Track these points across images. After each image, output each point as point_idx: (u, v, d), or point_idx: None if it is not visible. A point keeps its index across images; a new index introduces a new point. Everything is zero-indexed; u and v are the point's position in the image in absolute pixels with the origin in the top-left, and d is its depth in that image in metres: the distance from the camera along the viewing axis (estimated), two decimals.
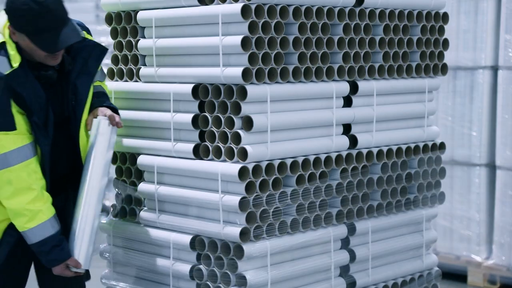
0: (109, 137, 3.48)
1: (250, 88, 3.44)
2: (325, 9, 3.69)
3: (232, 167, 3.45)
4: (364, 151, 3.92)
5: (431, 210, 4.31)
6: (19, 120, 3.30)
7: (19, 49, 3.29)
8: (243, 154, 3.46)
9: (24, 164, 3.30)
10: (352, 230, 3.92)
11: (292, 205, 3.64)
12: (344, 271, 3.95)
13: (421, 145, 4.19)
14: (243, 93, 3.45)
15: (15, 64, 3.25)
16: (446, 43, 4.28)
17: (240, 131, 3.47)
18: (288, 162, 3.60)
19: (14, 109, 3.28)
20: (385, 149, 4.01)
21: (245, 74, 3.43)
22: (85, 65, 3.47)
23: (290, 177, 3.64)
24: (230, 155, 3.51)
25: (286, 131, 3.63)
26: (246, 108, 3.47)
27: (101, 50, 3.52)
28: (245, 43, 3.43)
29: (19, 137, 3.30)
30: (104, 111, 3.51)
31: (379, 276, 4.07)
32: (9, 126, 3.27)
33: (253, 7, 3.43)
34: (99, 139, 3.46)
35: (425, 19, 4.14)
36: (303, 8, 3.60)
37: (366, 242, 3.99)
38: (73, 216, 3.46)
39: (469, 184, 6.00)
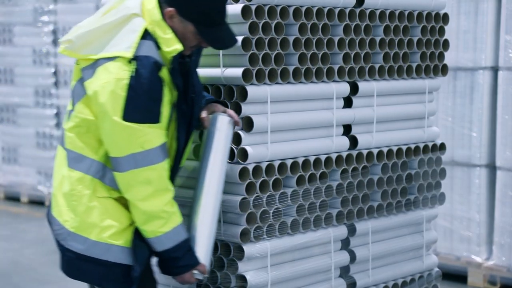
0: (228, 134, 3.27)
1: (250, 89, 3.44)
2: (326, 10, 3.69)
3: (232, 168, 3.45)
4: (364, 152, 3.92)
5: (431, 210, 4.31)
6: (165, 112, 3.03)
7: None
8: (244, 154, 3.47)
9: (165, 163, 3.02)
10: (352, 230, 3.92)
11: (292, 205, 3.64)
12: (344, 271, 3.95)
13: (421, 145, 4.19)
14: (243, 93, 3.45)
15: (176, 47, 3.01)
16: (446, 43, 4.28)
17: (240, 132, 3.47)
18: (289, 162, 3.60)
19: (166, 98, 3.03)
20: (385, 149, 4.01)
21: (246, 74, 3.43)
22: (197, 57, 3.29)
23: (290, 177, 3.64)
24: (231, 155, 3.51)
25: (287, 131, 3.64)
26: (246, 109, 3.47)
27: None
28: (245, 43, 3.43)
29: (162, 133, 3.01)
30: (221, 107, 3.33)
31: (379, 277, 4.07)
32: (155, 117, 2.97)
33: (253, 7, 3.44)
34: (217, 135, 3.24)
35: (425, 19, 4.15)
36: (303, 9, 3.60)
37: (366, 242, 3.99)
38: (192, 218, 3.22)
39: (469, 184, 6.00)
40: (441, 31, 4.25)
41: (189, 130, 3.24)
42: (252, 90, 3.45)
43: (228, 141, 3.30)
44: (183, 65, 3.14)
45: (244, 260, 3.49)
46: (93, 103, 2.98)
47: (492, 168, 5.95)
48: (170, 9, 3.03)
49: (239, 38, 3.40)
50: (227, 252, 3.54)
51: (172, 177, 3.22)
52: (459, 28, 5.98)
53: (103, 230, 3.04)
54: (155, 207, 3.01)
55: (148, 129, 2.95)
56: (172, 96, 3.08)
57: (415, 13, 4.09)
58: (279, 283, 3.63)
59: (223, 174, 3.29)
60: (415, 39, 4.11)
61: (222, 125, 3.27)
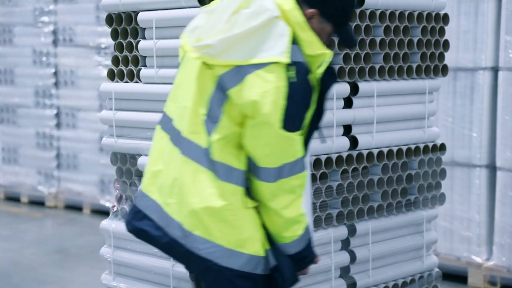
0: None
1: None
2: None
3: None
4: (365, 152, 3.92)
5: (432, 211, 4.31)
6: (308, 118, 2.96)
7: None
8: None
9: (306, 171, 2.94)
10: (352, 231, 3.92)
11: None
12: (344, 272, 3.95)
13: (421, 146, 4.19)
14: None
15: (324, 51, 2.90)
16: (446, 44, 4.28)
17: None
18: None
19: (312, 105, 2.95)
20: (385, 150, 4.01)
21: None
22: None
23: None
24: None
25: None
26: None
27: None
28: None
29: (301, 140, 2.93)
30: None
31: (380, 277, 4.07)
32: (302, 125, 2.90)
33: None
34: None
35: (425, 20, 4.15)
36: None
37: (366, 243, 3.99)
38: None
39: (470, 185, 5.99)
40: (441, 32, 4.25)
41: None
42: None
43: None
44: (330, 73, 3.00)
45: None
46: (250, 111, 2.80)
47: (492, 168, 5.95)
48: (312, 10, 2.93)
49: None
50: None
51: None
52: (459, 29, 5.97)
53: (255, 242, 2.89)
54: (296, 212, 2.90)
55: (298, 138, 2.86)
56: (313, 105, 2.97)
57: (415, 14, 4.09)
58: None
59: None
60: (415, 40, 4.11)
61: None
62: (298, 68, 2.82)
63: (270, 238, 2.94)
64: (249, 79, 2.79)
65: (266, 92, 2.76)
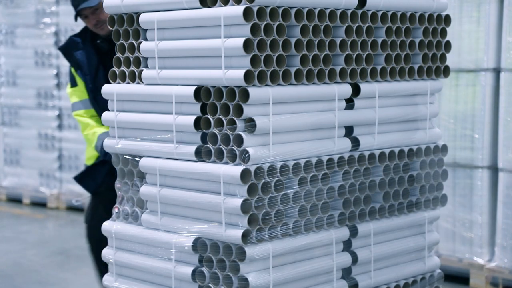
0: None
1: (252, 90, 3.44)
2: (327, 11, 3.69)
3: (234, 169, 3.46)
4: (366, 153, 3.92)
5: (433, 212, 4.31)
6: (79, 79, 4.81)
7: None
8: (245, 156, 3.46)
9: (86, 112, 4.84)
10: (354, 232, 3.92)
11: (294, 207, 3.64)
12: (346, 273, 3.95)
13: (423, 147, 4.19)
14: (245, 95, 3.45)
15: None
16: (448, 45, 4.28)
17: (242, 133, 3.47)
18: (290, 164, 3.60)
19: (73, 69, 4.77)
20: (387, 151, 4.01)
21: (247, 76, 3.43)
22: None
23: (292, 179, 3.64)
24: (232, 157, 3.51)
25: (288, 133, 3.64)
26: (248, 110, 3.47)
27: None
28: (247, 45, 3.43)
29: (81, 93, 4.86)
30: None
31: (381, 278, 4.07)
32: (73, 82, 4.86)
33: (255, 9, 3.44)
34: None
35: (427, 21, 4.15)
36: (305, 10, 3.60)
37: (368, 244, 3.99)
38: None
39: (472, 186, 6.00)
40: (443, 33, 4.25)
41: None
42: (254, 92, 3.45)
43: None
44: (97, 47, 4.80)
45: (246, 262, 3.49)
46: None
47: (494, 169, 5.95)
48: None
49: (241, 40, 3.40)
50: (229, 253, 3.54)
51: None
52: (461, 30, 5.98)
53: None
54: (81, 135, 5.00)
55: (71, 90, 5.01)
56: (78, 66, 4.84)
57: (417, 15, 4.09)
58: (281, 285, 3.63)
59: None
60: (417, 41, 4.11)
61: None
62: None
63: None
64: None
65: None
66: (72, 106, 4.91)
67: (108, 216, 4.07)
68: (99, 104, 4.72)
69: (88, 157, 4.95)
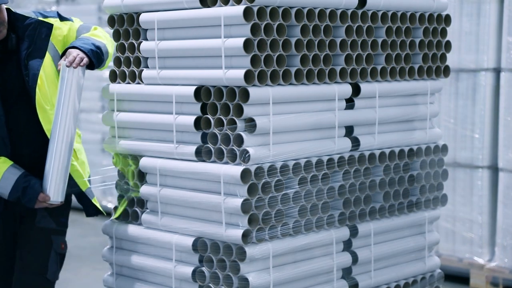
0: (70, 78, 3.62)
1: (252, 90, 3.44)
2: (328, 11, 3.69)
3: (234, 169, 3.46)
4: (367, 153, 3.92)
5: (434, 212, 4.31)
6: None
7: None
8: (246, 156, 3.46)
9: None
10: (354, 232, 3.92)
11: (294, 207, 3.64)
12: (346, 273, 3.95)
13: (423, 147, 4.19)
14: (245, 95, 3.45)
15: None
16: (448, 45, 4.28)
17: (242, 133, 3.47)
18: (290, 164, 3.60)
19: None
20: (387, 151, 4.01)
21: (247, 76, 3.43)
22: (34, 43, 3.72)
23: (292, 179, 3.64)
24: (232, 157, 3.51)
25: (288, 133, 3.64)
26: (248, 110, 3.47)
27: (47, 27, 3.76)
28: (247, 45, 3.43)
29: None
30: (71, 52, 3.66)
31: (382, 278, 4.07)
32: None
33: (255, 9, 3.44)
34: (61, 81, 3.63)
35: (427, 21, 4.15)
36: (305, 10, 3.60)
37: (368, 244, 3.99)
38: (47, 155, 3.65)
39: (472, 186, 5.99)
40: (443, 33, 4.25)
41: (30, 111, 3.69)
42: (254, 92, 3.45)
43: (72, 84, 3.64)
44: None
45: (246, 262, 3.49)
46: None
47: (494, 169, 5.95)
48: None
49: (241, 40, 3.40)
50: (229, 253, 3.54)
51: (23, 156, 3.71)
52: (461, 30, 5.97)
53: None
54: None
55: None
56: None
57: (417, 15, 4.09)
58: (281, 285, 3.63)
59: (74, 116, 3.66)
60: (417, 41, 4.11)
61: (63, 71, 3.62)
62: None
63: None
64: None
65: None
66: None
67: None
68: (9, 132, 3.70)
69: None
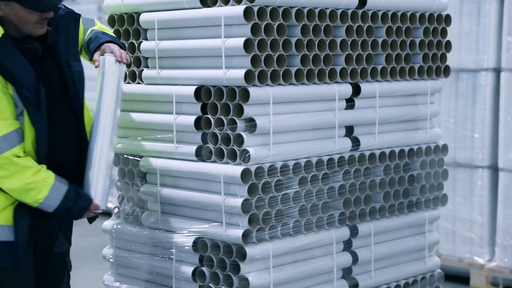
0: (118, 74, 3.39)
1: (252, 90, 3.44)
2: (328, 11, 3.69)
3: (234, 169, 3.46)
4: (367, 153, 3.92)
5: (434, 212, 4.31)
6: (3, 101, 3.15)
7: (1, 23, 3.19)
8: (246, 156, 3.46)
9: (14, 150, 3.18)
10: (354, 232, 3.92)
11: (294, 207, 3.64)
12: (346, 273, 3.95)
13: (423, 147, 4.19)
14: (245, 95, 3.45)
15: None
16: (448, 45, 4.28)
17: (242, 133, 3.47)
18: (291, 164, 3.60)
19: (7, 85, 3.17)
20: (387, 151, 4.01)
21: (248, 76, 3.43)
22: (69, 35, 3.40)
23: (293, 179, 3.64)
24: (233, 157, 3.51)
25: (289, 133, 3.64)
26: (248, 110, 3.47)
27: (75, 17, 3.45)
28: (247, 45, 3.43)
29: (5, 123, 3.16)
30: (111, 47, 3.44)
31: (382, 278, 4.07)
32: None
33: (255, 9, 3.44)
34: (106, 76, 3.37)
35: (427, 21, 4.15)
36: (305, 10, 3.60)
37: (368, 244, 3.99)
38: (87, 158, 3.38)
39: (472, 186, 5.99)
40: (443, 33, 4.25)
41: (78, 110, 3.37)
42: (254, 92, 3.45)
43: (117, 80, 3.39)
44: (30, 51, 3.23)
45: (246, 262, 3.49)
46: None
47: (494, 169, 5.95)
48: None
49: (242, 40, 3.40)
50: (229, 253, 3.54)
51: (64, 157, 3.35)
52: (462, 30, 5.98)
53: None
54: (17, 184, 3.20)
55: None
56: (7, 85, 3.17)
57: (418, 15, 4.09)
58: (281, 285, 3.63)
59: (114, 113, 3.40)
60: (417, 41, 4.11)
61: (109, 66, 3.36)
62: None
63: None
64: None
65: None
66: None
67: None
68: (49, 136, 3.28)
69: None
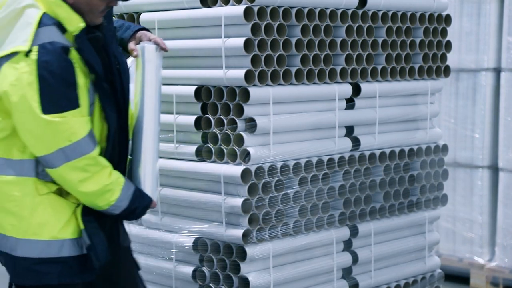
0: (157, 62, 3.15)
1: (252, 90, 3.44)
2: (328, 11, 3.69)
3: (234, 169, 3.46)
4: (367, 153, 3.92)
5: (434, 212, 4.31)
6: (84, 95, 2.84)
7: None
8: (246, 156, 3.46)
9: (97, 149, 2.87)
10: (354, 232, 3.92)
11: (294, 207, 3.64)
12: (346, 273, 3.95)
13: (423, 147, 4.19)
14: (245, 95, 3.45)
15: (79, 25, 2.83)
16: (448, 45, 4.28)
17: (242, 133, 3.47)
18: (291, 164, 3.60)
19: (81, 81, 2.82)
20: (387, 151, 4.01)
21: (248, 76, 3.43)
22: (110, 23, 3.13)
23: (293, 179, 3.64)
24: (233, 157, 3.51)
25: (289, 133, 3.64)
26: (248, 110, 3.47)
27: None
28: (247, 45, 3.43)
29: (85, 120, 2.83)
30: (148, 35, 3.23)
31: (382, 278, 4.07)
32: (74, 103, 2.79)
33: (255, 9, 3.44)
34: (147, 66, 3.13)
35: (427, 21, 4.15)
36: (305, 10, 3.60)
37: (368, 244, 3.99)
38: (135, 153, 3.10)
39: (472, 186, 5.99)
40: (444, 33, 4.25)
41: (122, 104, 3.04)
42: (255, 92, 3.45)
43: (158, 70, 3.16)
44: (96, 40, 2.94)
45: (246, 262, 3.49)
46: (6, 103, 2.80)
47: (494, 169, 5.94)
48: None
49: (242, 40, 3.40)
50: (229, 253, 3.54)
51: (116, 154, 3.03)
52: (462, 30, 5.97)
53: (53, 227, 2.87)
54: (96, 186, 2.87)
55: (72, 119, 2.78)
56: (87, 78, 2.88)
57: (418, 15, 4.09)
58: (281, 285, 3.63)
59: (158, 104, 3.15)
60: (418, 41, 4.11)
61: (150, 55, 3.14)
62: (48, 49, 2.75)
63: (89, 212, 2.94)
64: (3, 70, 2.80)
65: (15, 80, 2.75)
66: (76, 148, 2.83)
67: None
68: (112, 130, 2.99)
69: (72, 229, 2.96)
